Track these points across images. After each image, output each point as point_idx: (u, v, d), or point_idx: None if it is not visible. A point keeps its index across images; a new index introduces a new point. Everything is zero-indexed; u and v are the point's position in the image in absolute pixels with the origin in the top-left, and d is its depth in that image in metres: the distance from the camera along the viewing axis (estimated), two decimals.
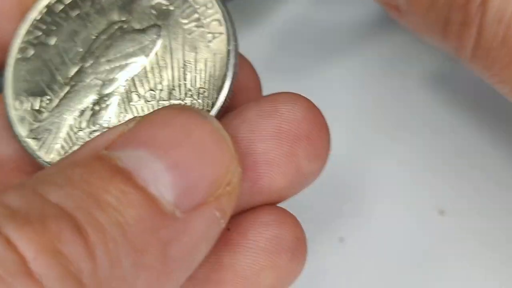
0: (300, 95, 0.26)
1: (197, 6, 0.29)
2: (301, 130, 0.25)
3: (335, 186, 0.36)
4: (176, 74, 0.28)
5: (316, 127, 0.26)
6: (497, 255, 0.35)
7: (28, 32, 0.31)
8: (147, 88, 0.28)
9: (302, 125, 0.25)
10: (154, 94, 0.28)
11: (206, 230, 0.21)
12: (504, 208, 0.35)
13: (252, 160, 0.25)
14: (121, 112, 0.28)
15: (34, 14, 0.31)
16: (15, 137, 0.29)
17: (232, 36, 0.28)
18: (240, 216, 0.25)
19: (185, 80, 0.28)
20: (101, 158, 0.21)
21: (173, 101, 0.27)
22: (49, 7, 0.31)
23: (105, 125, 0.28)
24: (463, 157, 0.36)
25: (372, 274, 0.35)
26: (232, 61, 0.28)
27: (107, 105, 0.28)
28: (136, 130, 0.22)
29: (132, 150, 0.21)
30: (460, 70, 0.37)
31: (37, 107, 0.29)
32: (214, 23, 0.29)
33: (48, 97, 0.29)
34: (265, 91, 0.29)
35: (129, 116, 0.28)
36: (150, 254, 0.19)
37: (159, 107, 0.26)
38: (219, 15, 0.29)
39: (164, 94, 0.28)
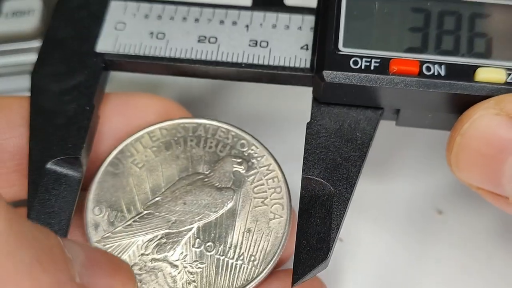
0: None
1: (268, 187, 0.33)
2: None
3: None
4: (235, 237, 0.32)
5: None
6: (493, 251, 0.37)
7: (122, 152, 0.34)
8: (208, 239, 0.32)
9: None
10: (213, 247, 0.32)
11: None
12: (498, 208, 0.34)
13: None
14: (182, 252, 0.32)
15: (133, 138, 0.34)
16: (86, 239, 0.32)
17: (289, 222, 0.32)
18: None
19: (241, 244, 0.32)
20: None
21: (226, 259, 0.32)
22: (147, 139, 0.34)
23: (169, 259, 0.32)
24: None
25: (372, 273, 0.37)
26: (283, 242, 0.32)
27: (174, 242, 0.32)
28: None
29: (62, 238, 0.26)
30: None
31: (112, 219, 0.32)
32: (278, 206, 0.33)
33: (123, 214, 0.33)
34: None
35: (189, 257, 0.32)
36: (46, 276, 0.24)
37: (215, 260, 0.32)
38: (283, 201, 0.33)
39: (221, 250, 0.32)
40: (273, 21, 0.35)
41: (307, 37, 0.34)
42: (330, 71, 0.32)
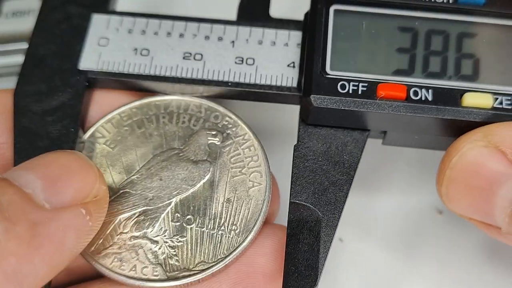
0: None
1: (245, 156, 0.33)
2: None
3: None
4: (215, 208, 0.32)
5: None
6: (492, 251, 0.37)
7: (93, 134, 0.33)
8: (188, 213, 0.32)
9: None
10: (193, 220, 0.32)
11: (72, 222, 0.27)
12: None
13: (251, 270, 0.32)
14: (161, 228, 0.32)
15: (104, 120, 0.34)
16: None
17: (268, 188, 0.32)
18: None
19: (221, 215, 0.32)
20: None
21: (207, 231, 0.32)
22: (118, 119, 0.34)
23: (148, 235, 0.32)
24: None
25: (373, 272, 0.37)
26: (264, 209, 0.32)
27: (152, 218, 0.32)
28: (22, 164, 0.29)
29: (13, 171, 0.28)
30: None
31: None
32: (256, 174, 0.33)
33: None
34: None
35: (169, 231, 0.32)
36: (20, 226, 0.26)
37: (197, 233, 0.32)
38: (261, 168, 0.33)
39: (201, 222, 0.32)
40: (259, 36, 0.35)
41: (294, 54, 0.34)
42: (318, 96, 0.31)
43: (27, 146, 0.32)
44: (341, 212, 0.31)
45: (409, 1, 0.33)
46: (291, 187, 0.31)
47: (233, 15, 0.36)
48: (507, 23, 0.33)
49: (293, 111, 0.35)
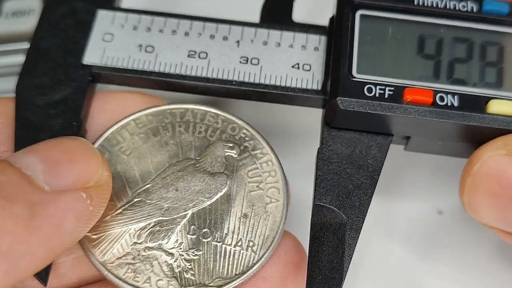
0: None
1: (263, 171, 0.32)
2: (293, 257, 0.31)
3: None
4: (231, 222, 0.31)
5: (304, 258, 0.31)
6: (492, 251, 0.38)
7: (107, 140, 0.32)
8: (204, 226, 0.31)
9: (294, 254, 0.31)
10: (209, 234, 0.31)
11: (72, 205, 0.27)
12: None
13: (251, 275, 0.31)
14: (177, 240, 0.31)
15: (118, 125, 0.33)
16: None
17: (286, 205, 0.32)
18: None
19: (238, 230, 0.31)
20: None
21: (224, 246, 0.31)
22: (133, 126, 0.33)
23: (164, 247, 0.31)
24: (459, 166, 0.34)
25: (373, 272, 0.37)
26: (282, 227, 0.31)
27: (168, 229, 0.31)
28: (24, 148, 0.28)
29: (15, 154, 0.28)
30: None
31: None
32: (274, 190, 0.32)
33: (112, 203, 0.31)
34: None
35: (185, 244, 0.31)
36: (18, 206, 0.25)
37: (213, 248, 0.31)
38: (279, 184, 0.32)
39: (218, 236, 0.31)
40: (264, 38, 0.35)
41: (299, 55, 0.34)
42: (345, 98, 0.31)
43: (28, 138, 0.31)
44: (365, 215, 0.31)
45: (434, 9, 0.33)
46: (315, 189, 0.31)
47: (255, 18, 0.35)
48: None
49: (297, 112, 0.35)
